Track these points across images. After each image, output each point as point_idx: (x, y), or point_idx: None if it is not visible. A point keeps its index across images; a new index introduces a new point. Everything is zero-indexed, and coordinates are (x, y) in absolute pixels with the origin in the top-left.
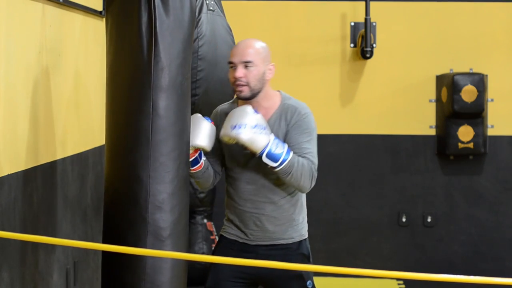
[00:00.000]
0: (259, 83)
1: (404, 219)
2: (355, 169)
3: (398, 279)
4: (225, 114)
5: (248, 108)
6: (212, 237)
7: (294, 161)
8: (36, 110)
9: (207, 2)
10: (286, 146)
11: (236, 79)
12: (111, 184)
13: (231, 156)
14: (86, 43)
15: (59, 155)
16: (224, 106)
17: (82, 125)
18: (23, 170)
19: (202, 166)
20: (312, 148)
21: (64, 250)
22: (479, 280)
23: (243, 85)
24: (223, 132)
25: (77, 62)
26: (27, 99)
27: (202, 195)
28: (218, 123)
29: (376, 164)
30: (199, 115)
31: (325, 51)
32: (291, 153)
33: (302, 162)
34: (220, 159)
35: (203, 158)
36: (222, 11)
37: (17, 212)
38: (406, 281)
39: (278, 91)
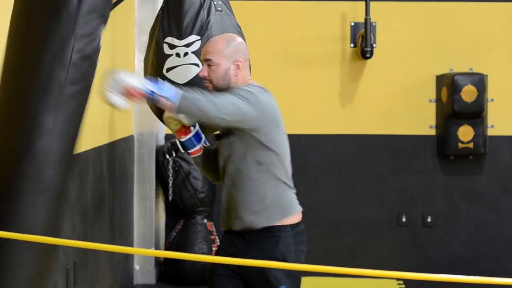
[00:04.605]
0: (223, 80)
1: (404, 219)
2: (355, 169)
3: (398, 279)
4: None
5: (120, 71)
6: (212, 237)
7: (190, 95)
8: None
9: (215, 3)
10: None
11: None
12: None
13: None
14: None
15: None
16: None
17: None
18: None
19: (201, 152)
20: (225, 96)
21: (64, 250)
22: (479, 280)
23: (207, 82)
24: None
25: None
26: None
27: (202, 195)
28: None
29: (376, 164)
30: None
31: (325, 51)
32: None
33: (200, 94)
34: None
35: (202, 144)
36: (230, 10)
37: None
38: (406, 281)
39: (257, 84)
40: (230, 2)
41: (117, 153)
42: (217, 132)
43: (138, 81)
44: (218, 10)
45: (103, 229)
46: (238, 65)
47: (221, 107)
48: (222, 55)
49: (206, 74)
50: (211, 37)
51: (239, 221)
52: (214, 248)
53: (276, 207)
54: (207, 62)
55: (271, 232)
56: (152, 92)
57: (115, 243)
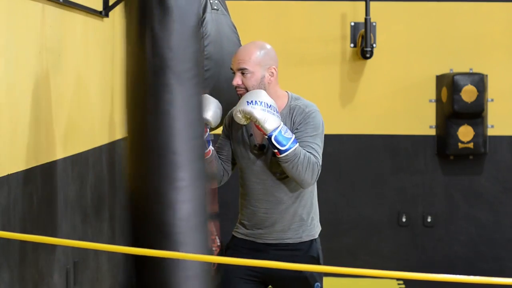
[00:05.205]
0: (258, 88)
1: (404, 219)
2: (355, 169)
3: (398, 279)
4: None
5: (264, 92)
6: (212, 237)
7: (300, 151)
8: (36, 110)
9: (211, 1)
10: (293, 135)
11: (236, 86)
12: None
13: (241, 155)
14: (86, 43)
15: (59, 155)
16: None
17: (82, 125)
18: (23, 170)
19: (210, 154)
20: (316, 144)
21: (64, 250)
22: (479, 280)
23: (241, 90)
24: (237, 107)
25: (77, 62)
26: (27, 99)
27: None
28: (231, 123)
29: (376, 164)
30: (207, 95)
31: (325, 51)
32: (298, 144)
33: (309, 156)
34: (231, 158)
35: (211, 147)
36: (226, 10)
37: (17, 212)
38: (406, 281)
39: (286, 91)
40: (231, 1)
41: (117, 153)
42: (256, 145)
43: (270, 123)
44: (214, 9)
45: (103, 229)
46: (272, 72)
47: (314, 176)
48: (257, 63)
49: (240, 82)
50: (206, 35)
51: (285, 234)
52: (214, 248)
53: (316, 220)
54: (241, 70)
55: (309, 242)
56: (272, 135)
57: (115, 243)
